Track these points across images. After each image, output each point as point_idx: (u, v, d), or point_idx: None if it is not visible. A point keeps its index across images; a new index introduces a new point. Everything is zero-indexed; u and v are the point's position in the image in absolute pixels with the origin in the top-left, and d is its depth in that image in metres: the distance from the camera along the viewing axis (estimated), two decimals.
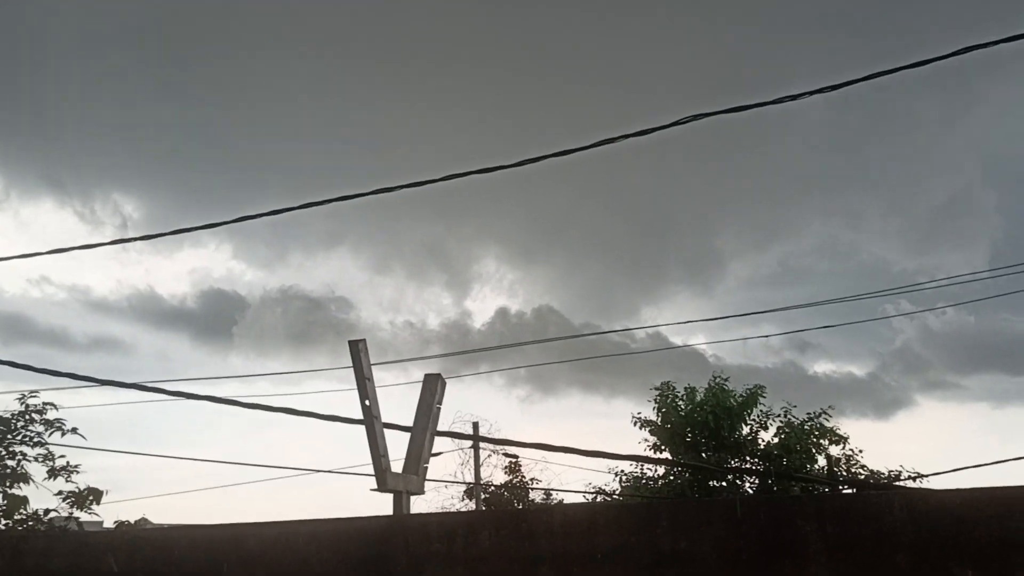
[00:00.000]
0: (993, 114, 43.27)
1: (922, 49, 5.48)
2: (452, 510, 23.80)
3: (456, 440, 23.77)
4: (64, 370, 7.42)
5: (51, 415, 9.61)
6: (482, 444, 23.97)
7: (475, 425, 24.03)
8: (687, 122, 5.95)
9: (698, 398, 21.24)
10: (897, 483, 19.45)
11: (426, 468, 7.40)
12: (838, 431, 21.22)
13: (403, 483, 6.98)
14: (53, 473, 9.30)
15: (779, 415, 21.62)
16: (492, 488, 24.97)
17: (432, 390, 7.67)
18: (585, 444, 8.08)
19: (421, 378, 7.77)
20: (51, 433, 9.40)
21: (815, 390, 36.86)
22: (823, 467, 20.79)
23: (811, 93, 5.70)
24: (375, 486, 6.86)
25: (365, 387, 7.08)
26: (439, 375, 7.77)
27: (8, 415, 9.39)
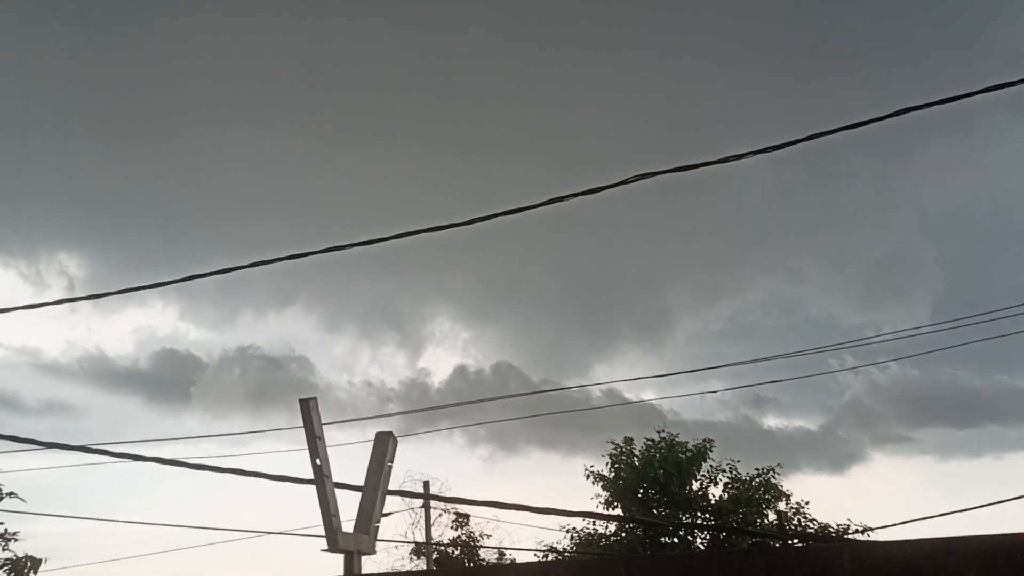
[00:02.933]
0: (927, 171, 44.74)
1: (856, 111, 5.71)
2: (403, 570, 23.44)
3: (407, 500, 23.52)
4: (13, 434, 7.21)
5: None
6: (433, 503, 23.72)
7: (426, 484, 23.80)
8: (634, 181, 6.08)
9: (654, 453, 21.38)
10: (847, 536, 19.66)
11: (377, 527, 7.31)
12: (781, 488, 21.50)
13: (354, 543, 6.88)
14: None
15: (726, 470, 21.83)
16: (442, 546, 24.66)
17: (383, 448, 7.61)
18: (539, 501, 8.02)
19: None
20: None
21: (771, 444, 37.17)
22: (773, 522, 20.95)
23: (755, 153, 5.87)
24: (326, 547, 6.76)
25: (316, 446, 7.00)
26: (390, 433, 7.72)
27: None
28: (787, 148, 5.88)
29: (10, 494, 9.15)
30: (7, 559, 8.77)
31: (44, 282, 42.24)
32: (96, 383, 47.70)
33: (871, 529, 19.53)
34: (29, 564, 8.75)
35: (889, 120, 5.65)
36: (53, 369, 46.24)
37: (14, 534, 8.93)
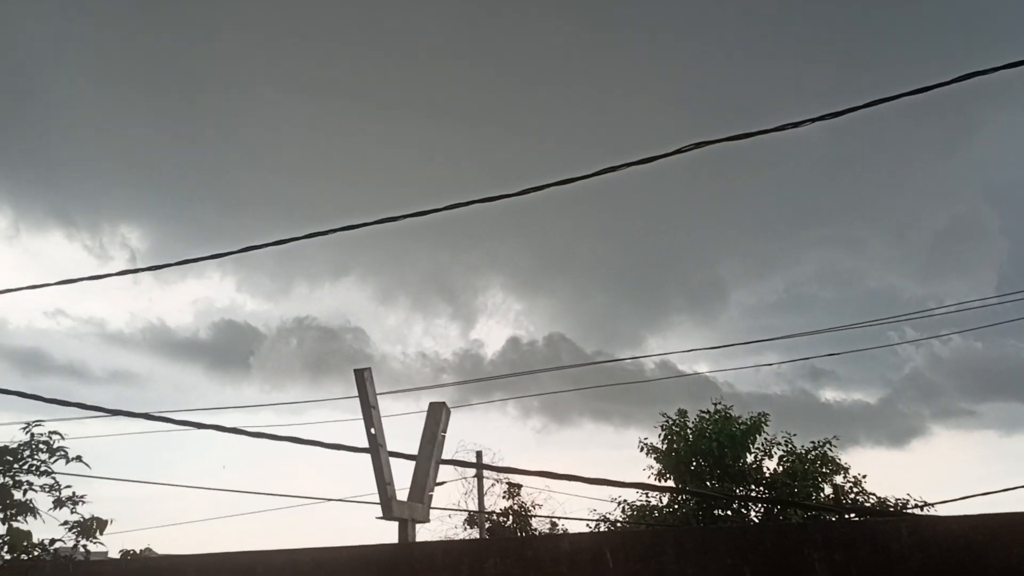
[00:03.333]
0: (993, 139, 43.47)
1: (920, 77, 5.55)
2: (456, 539, 23.69)
3: (459, 469, 23.73)
4: (81, 401, 7.43)
5: (57, 444, 9.60)
6: (486, 473, 23.90)
7: (478, 454, 23.98)
8: (689, 150, 6.01)
9: (707, 426, 21.24)
10: (905, 512, 19.40)
11: (431, 496, 7.39)
12: (839, 460, 21.22)
13: (408, 511, 6.97)
14: (59, 503, 9.28)
15: (781, 443, 21.61)
16: (495, 515, 24.88)
17: (436, 419, 7.68)
18: (592, 473, 8.04)
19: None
20: (55, 460, 9.40)
21: (828, 418, 36.68)
22: (829, 495, 20.73)
23: (812, 120, 5.76)
24: (380, 514, 6.86)
25: (371, 415, 7.09)
26: (443, 404, 7.79)
27: (15, 445, 9.40)
28: (845, 115, 5.75)
29: (76, 458, 9.41)
30: (75, 522, 9.03)
31: (107, 254, 43.30)
32: (159, 353, 48.98)
33: (930, 504, 19.26)
34: (95, 525, 9.01)
35: (953, 86, 5.50)
36: (118, 339, 47.57)
37: (81, 497, 9.20)
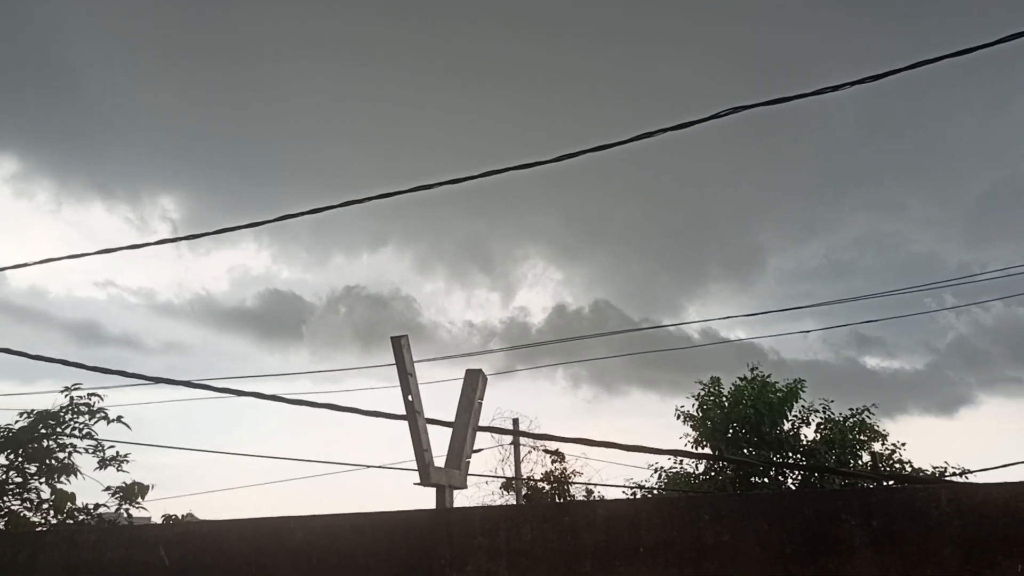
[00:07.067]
0: None
1: (963, 38, 5.42)
2: (494, 504, 23.88)
3: (497, 436, 23.88)
4: (122, 369, 7.55)
5: (97, 406, 9.77)
6: (523, 440, 24.03)
7: (515, 421, 24.10)
8: (726, 115, 5.93)
9: (743, 393, 21.18)
10: (944, 479, 19.25)
11: (468, 463, 7.45)
12: (877, 428, 21.08)
13: (446, 477, 7.03)
14: (104, 464, 9.48)
15: (819, 411, 21.48)
16: (532, 482, 25.04)
17: (473, 385, 7.71)
18: (630, 440, 8.07)
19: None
20: (96, 422, 9.58)
21: (874, 385, 36.31)
22: (867, 463, 20.63)
23: (852, 84, 5.65)
24: (418, 480, 6.93)
25: (408, 382, 7.14)
26: (480, 371, 7.81)
27: (56, 409, 9.60)
28: (886, 78, 5.63)
29: (117, 418, 9.54)
30: (118, 486, 9.22)
31: (148, 226, 43.92)
32: (208, 324, 49.74)
33: (969, 472, 19.09)
34: (137, 490, 9.19)
35: (997, 47, 5.35)
36: (168, 310, 48.41)
37: (126, 456, 9.39)
